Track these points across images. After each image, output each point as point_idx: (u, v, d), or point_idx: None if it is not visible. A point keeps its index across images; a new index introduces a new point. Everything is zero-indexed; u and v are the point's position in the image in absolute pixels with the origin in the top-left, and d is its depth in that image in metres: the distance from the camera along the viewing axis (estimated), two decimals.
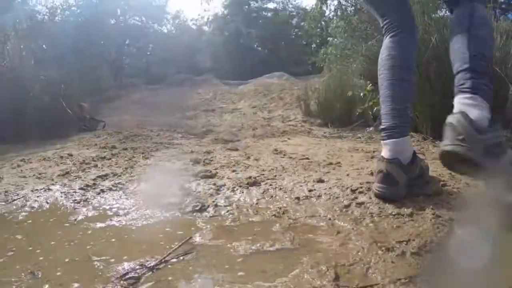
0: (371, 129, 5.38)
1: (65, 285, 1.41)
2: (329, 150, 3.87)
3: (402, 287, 1.23)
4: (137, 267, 1.50)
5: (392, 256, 1.46)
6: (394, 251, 1.49)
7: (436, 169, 2.75)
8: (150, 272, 1.47)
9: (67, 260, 1.61)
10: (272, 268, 1.47)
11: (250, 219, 2.07)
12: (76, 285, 1.40)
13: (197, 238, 1.81)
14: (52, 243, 1.81)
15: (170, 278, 1.43)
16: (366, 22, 7.49)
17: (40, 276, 1.49)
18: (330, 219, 1.92)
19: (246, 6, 21.72)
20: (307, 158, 3.49)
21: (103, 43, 16.50)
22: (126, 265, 1.52)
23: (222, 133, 6.12)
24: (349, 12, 10.11)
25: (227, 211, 2.23)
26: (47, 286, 1.41)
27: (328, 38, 12.55)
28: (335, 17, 11.26)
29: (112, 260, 1.59)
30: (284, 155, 3.80)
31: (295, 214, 2.06)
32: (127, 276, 1.43)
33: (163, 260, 1.55)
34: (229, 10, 21.90)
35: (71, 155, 4.18)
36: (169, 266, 1.53)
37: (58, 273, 1.51)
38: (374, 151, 3.76)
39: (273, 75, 13.40)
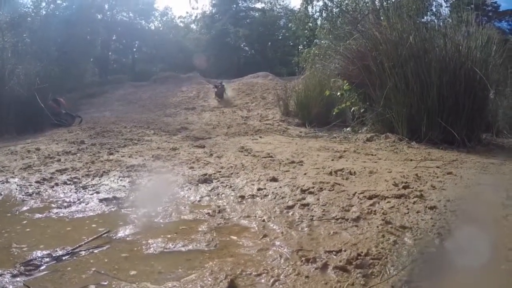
0: (348, 129, 5.19)
1: None
2: (297, 149, 3.66)
3: None
4: (44, 256, 1.49)
5: (310, 268, 1.23)
6: (315, 263, 1.25)
7: (403, 170, 2.55)
8: (54, 262, 1.45)
9: None
10: (171, 270, 1.34)
11: (181, 217, 1.91)
12: None
13: (119, 233, 1.73)
14: None
15: (68, 268, 1.40)
16: (350, 23, 7.34)
17: None
18: (264, 220, 1.71)
19: (234, 5, 21.51)
20: (271, 157, 3.28)
21: (89, 38, 16.16)
22: (35, 253, 1.52)
23: (195, 130, 5.96)
24: (334, 13, 9.97)
25: (163, 208, 2.07)
26: None
27: (315, 40, 12.41)
28: (320, 18, 11.14)
29: (27, 248, 1.58)
30: (249, 153, 3.60)
31: (230, 213, 1.87)
32: (30, 263, 1.44)
33: (70, 252, 1.53)
34: (217, 8, 21.68)
35: (38, 149, 4.08)
36: (74, 257, 1.49)
37: None
38: (344, 151, 3.56)
39: (258, 74, 13.25)
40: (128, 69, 19.93)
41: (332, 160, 3.02)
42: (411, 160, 3.10)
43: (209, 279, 1.22)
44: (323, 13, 10.60)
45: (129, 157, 3.68)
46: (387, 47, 4.45)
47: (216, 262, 1.35)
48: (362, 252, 1.29)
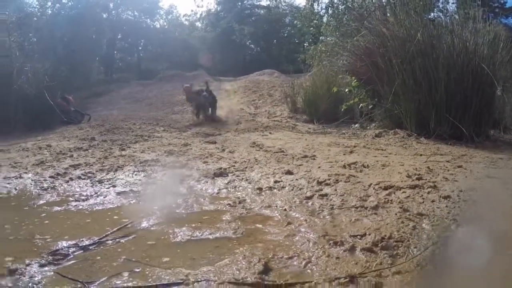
0: (356, 125, 5.23)
1: None
2: (308, 144, 3.73)
3: (339, 287, 1.05)
4: (71, 245, 1.51)
5: (339, 251, 1.31)
6: (343, 246, 1.33)
7: (414, 163, 2.62)
8: (81, 251, 1.48)
9: (11, 238, 1.62)
10: (203, 257, 1.38)
11: (203, 208, 1.96)
12: (9, 258, 1.38)
13: (143, 223, 1.77)
14: (5, 224, 1.78)
15: (98, 257, 1.42)
16: (356, 20, 7.37)
17: None
18: (285, 210, 1.78)
19: (239, 3, 21.47)
20: (283, 151, 3.34)
21: (94, 37, 16.23)
22: (60, 244, 1.53)
23: (205, 127, 6.01)
24: (340, 10, 9.97)
25: (183, 200, 2.11)
26: None
27: (321, 37, 12.40)
28: (326, 15, 11.15)
29: (51, 239, 1.59)
30: (261, 148, 3.66)
31: (251, 204, 1.93)
32: (57, 252, 1.45)
33: (97, 241, 1.56)
34: (222, 6, 21.65)
35: (49, 146, 4.11)
36: (102, 247, 1.52)
37: None
38: (354, 146, 3.62)
39: (263, 72, 13.27)
40: (134, 68, 20.00)
41: (344, 154, 3.09)
42: (421, 155, 3.15)
43: (243, 262, 1.27)
44: (329, 10, 10.61)
45: (142, 152, 3.74)
46: (395, 43, 4.49)
47: (246, 247, 1.40)
48: (385, 236, 1.37)
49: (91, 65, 16.11)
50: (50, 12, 15.51)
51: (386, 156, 3.01)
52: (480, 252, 1.20)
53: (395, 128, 4.49)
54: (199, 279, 1.17)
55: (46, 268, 1.33)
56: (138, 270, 1.29)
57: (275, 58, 18.93)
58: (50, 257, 1.40)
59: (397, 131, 4.38)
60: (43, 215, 1.94)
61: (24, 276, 1.26)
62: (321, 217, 1.66)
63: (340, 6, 10.20)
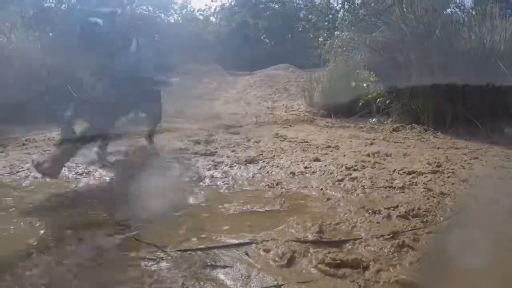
0: (373, 120, 5.37)
1: (57, 231, 1.50)
2: (329, 136, 3.91)
3: (385, 242, 1.27)
4: (128, 218, 1.61)
5: (378, 218, 1.53)
6: (380, 214, 1.55)
7: (433, 154, 2.80)
8: (140, 223, 1.57)
9: (65, 214, 1.73)
10: (259, 224, 1.54)
11: (244, 188, 2.13)
12: (69, 231, 1.48)
13: (190, 200, 1.91)
14: (54, 201, 1.90)
15: (159, 228, 1.53)
16: (373, 15, 7.46)
17: (37, 225, 1.58)
18: (322, 189, 1.98)
19: None
20: (306, 142, 3.53)
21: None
22: (118, 216, 1.63)
23: (225, 119, 6.14)
24: (356, 5, 10.05)
25: (223, 182, 2.28)
26: (41, 231, 1.51)
27: (336, 32, 12.47)
28: (342, 9, 11.22)
29: (106, 214, 1.70)
30: (284, 139, 3.84)
31: (288, 185, 2.12)
32: (118, 224, 1.54)
33: (153, 215, 1.66)
34: (237, 1, 21.65)
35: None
36: (159, 219, 1.63)
37: (53, 223, 1.61)
38: (374, 139, 3.79)
39: (279, 67, 13.39)
40: None
41: (365, 145, 3.27)
42: (438, 148, 3.32)
43: (299, 227, 1.46)
44: (345, 4, 10.67)
45: (168, 142, 3.92)
46: (414, 39, 4.62)
47: (296, 217, 1.58)
48: (415, 207, 1.59)
49: None
50: (66, 7, 15.75)
51: (406, 148, 3.19)
52: (497, 221, 1.42)
53: (412, 123, 4.62)
54: (266, 239, 1.35)
55: (111, 238, 1.43)
56: (204, 236, 1.43)
57: (289, 53, 18.93)
58: (112, 227, 1.50)
59: (414, 126, 4.51)
60: (88, 194, 2.04)
61: (93, 242, 1.37)
62: (356, 194, 1.87)
63: (356, 0, 10.27)
